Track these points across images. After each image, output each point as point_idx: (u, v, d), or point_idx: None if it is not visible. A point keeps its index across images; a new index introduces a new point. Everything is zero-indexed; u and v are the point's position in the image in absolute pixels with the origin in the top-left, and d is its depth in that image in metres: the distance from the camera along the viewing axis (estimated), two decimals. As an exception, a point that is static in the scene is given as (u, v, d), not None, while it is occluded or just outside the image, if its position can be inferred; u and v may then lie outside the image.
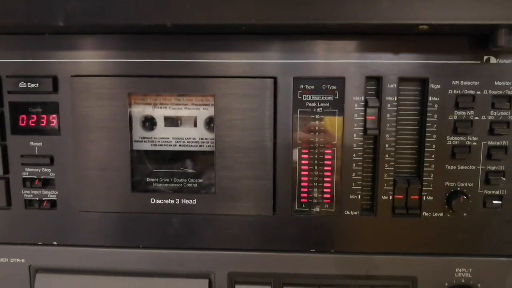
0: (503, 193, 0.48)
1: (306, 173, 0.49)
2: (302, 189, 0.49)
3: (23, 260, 0.52)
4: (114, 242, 0.51)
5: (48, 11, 0.42)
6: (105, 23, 0.43)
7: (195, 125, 0.50)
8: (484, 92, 0.46)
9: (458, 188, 0.48)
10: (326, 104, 0.47)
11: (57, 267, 0.52)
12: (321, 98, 0.47)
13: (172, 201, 0.49)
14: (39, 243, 0.52)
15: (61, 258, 0.52)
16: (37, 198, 0.51)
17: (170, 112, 0.50)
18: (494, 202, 0.48)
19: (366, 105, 0.47)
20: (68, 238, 0.52)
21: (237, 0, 0.41)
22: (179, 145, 0.50)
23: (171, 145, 0.51)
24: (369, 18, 0.41)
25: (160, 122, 0.50)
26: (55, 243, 0.52)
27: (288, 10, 0.41)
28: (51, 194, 0.51)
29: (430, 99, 0.47)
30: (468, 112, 0.47)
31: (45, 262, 0.52)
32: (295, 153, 0.48)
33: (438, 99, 0.47)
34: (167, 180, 0.50)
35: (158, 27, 0.44)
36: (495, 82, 0.46)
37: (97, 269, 0.52)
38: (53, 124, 0.49)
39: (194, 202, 0.49)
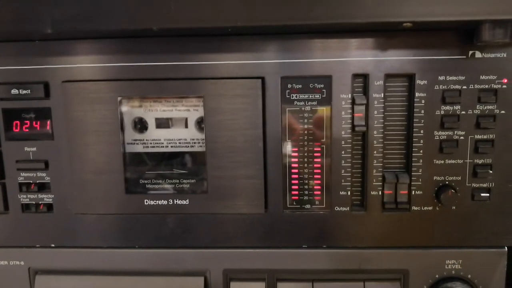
0: (490, 185, 0.48)
1: (296, 170, 0.49)
2: (293, 187, 0.50)
3: (22, 263, 0.53)
4: (110, 242, 0.52)
5: (36, 19, 0.43)
6: (92, 29, 0.44)
7: (186, 126, 0.51)
8: (470, 87, 0.47)
9: (447, 182, 0.48)
10: (314, 103, 0.48)
11: (56, 268, 0.53)
12: (309, 96, 0.48)
13: (165, 202, 0.50)
14: (37, 245, 0.53)
15: (59, 260, 0.53)
16: (34, 202, 0.52)
17: (161, 113, 0.51)
18: (482, 194, 0.48)
19: (353, 102, 0.47)
20: (65, 240, 0.53)
21: (221, 3, 0.41)
22: (171, 146, 0.51)
23: (163, 147, 0.51)
24: (353, 17, 0.41)
25: (152, 124, 0.51)
26: (52, 245, 0.53)
27: (271, 11, 0.41)
28: (47, 198, 0.52)
29: (417, 95, 0.47)
30: (454, 106, 0.47)
31: (44, 264, 0.53)
32: (285, 151, 0.49)
33: (425, 94, 0.47)
34: (160, 181, 0.51)
35: (145, 31, 0.44)
36: (481, 76, 0.46)
37: (95, 269, 0.53)
38: (47, 129, 0.50)
39: (187, 202, 0.50)
